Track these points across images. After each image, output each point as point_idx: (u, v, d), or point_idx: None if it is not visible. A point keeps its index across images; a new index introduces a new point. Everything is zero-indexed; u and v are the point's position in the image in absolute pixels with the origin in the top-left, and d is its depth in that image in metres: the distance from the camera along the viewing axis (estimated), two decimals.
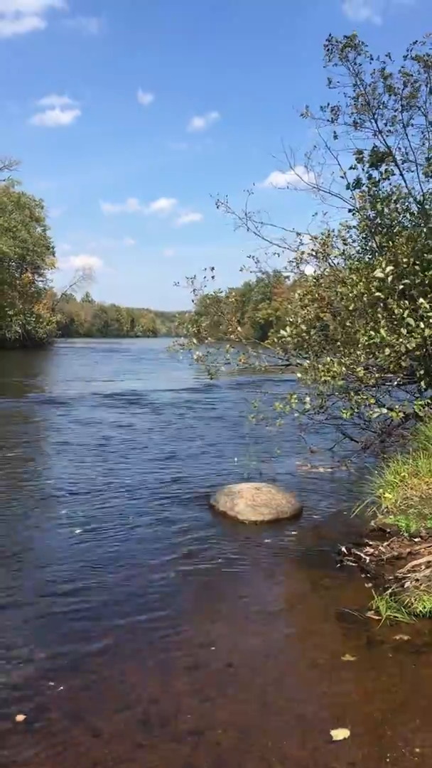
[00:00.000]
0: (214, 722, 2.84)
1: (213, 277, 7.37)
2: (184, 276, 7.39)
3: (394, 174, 7.57)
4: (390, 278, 6.12)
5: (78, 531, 5.59)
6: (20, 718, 2.88)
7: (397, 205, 7.48)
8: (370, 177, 7.60)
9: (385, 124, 7.38)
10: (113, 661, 3.40)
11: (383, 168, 7.55)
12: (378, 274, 6.12)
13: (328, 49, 7.19)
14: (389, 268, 6.10)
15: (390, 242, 6.73)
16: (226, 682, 3.19)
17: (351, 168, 7.59)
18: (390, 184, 7.60)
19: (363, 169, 7.64)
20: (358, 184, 7.61)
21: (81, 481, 7.47)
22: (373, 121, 7.37)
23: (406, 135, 7.43)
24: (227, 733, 2.76)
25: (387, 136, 7.46)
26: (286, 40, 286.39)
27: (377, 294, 6.25)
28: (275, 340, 7.42)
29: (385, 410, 6.22)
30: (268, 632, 3.78)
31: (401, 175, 7.60)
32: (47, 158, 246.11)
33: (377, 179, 7.60)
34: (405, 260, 6.48)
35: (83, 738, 2.73)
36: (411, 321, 5.88)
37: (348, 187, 7.61)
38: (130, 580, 4.54)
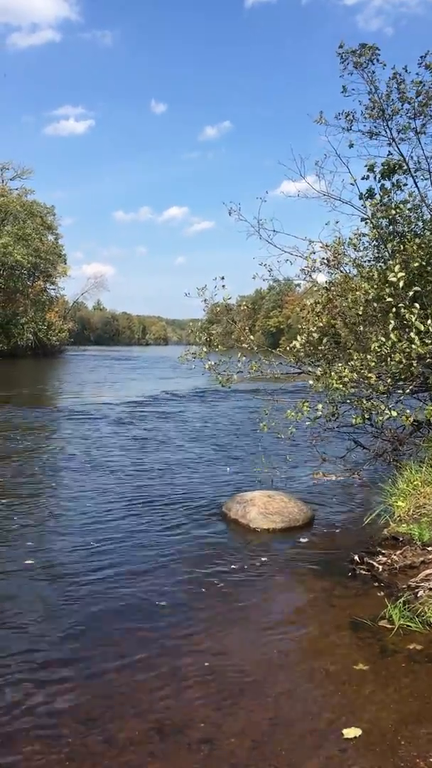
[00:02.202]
0: (227, 731, 2.84)
1: (224, 286, 7.38)
2: (195, 285, 7.43)
3: (406, 184, 7.56)
4: (401, 284, 6.11)
5: (89, 540, 5.61)
6: (34, 724, 2.90)
7: (411, 213, 7.47)
8: (382, 187, 7.59)
9: (398, 132, 7.38)
10: (126, 670, 3.41)
11: (395, 179, 7.53)
12: (391, 278, 6.11)
13: (342, 57, 7.21)
14: (401, 274, 6.09)
15: (401, 247, 6.72)
16: (239, 691, 3.18)
17: (363, 178, 7.58)
18: (403, 192, 7.58)
19: (375, 178, 7.63)
20: (370, 194, 7.60)
21: (89, 490, 7.50)
22: (387, 129, 7.36)
23: (420, 143, 7.42)
24: (240, 742, 2.76)
25: (400, 143, 7.45)
26: (299, 50, 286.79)
27: (389, 300, 6.24)
28: (288, 348, 7.41)
29: (395, 413, 6.20)
30: (280, 641, 3.77)
31: (415, 183, 7.59)
32: (61, 168, 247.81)
33: (389, 188, 7.59)
34: (417, 265, 6.47)
35: (97, 745, 2.74)
36: (420, 326, 5.85)
37: (360, 198, 7.61)
38: (142, 588, 4.55)
